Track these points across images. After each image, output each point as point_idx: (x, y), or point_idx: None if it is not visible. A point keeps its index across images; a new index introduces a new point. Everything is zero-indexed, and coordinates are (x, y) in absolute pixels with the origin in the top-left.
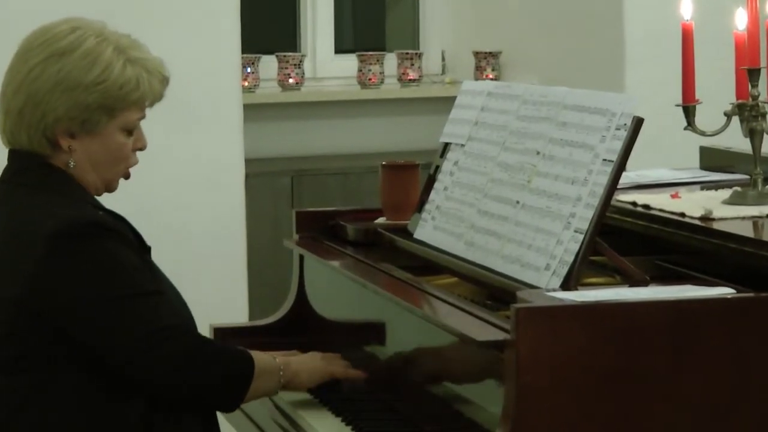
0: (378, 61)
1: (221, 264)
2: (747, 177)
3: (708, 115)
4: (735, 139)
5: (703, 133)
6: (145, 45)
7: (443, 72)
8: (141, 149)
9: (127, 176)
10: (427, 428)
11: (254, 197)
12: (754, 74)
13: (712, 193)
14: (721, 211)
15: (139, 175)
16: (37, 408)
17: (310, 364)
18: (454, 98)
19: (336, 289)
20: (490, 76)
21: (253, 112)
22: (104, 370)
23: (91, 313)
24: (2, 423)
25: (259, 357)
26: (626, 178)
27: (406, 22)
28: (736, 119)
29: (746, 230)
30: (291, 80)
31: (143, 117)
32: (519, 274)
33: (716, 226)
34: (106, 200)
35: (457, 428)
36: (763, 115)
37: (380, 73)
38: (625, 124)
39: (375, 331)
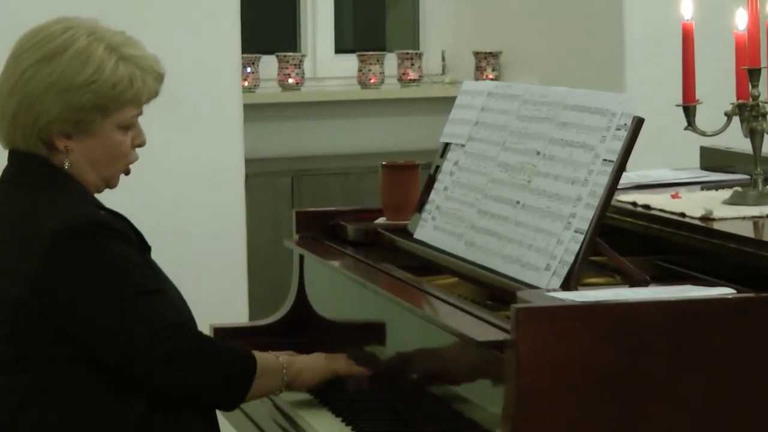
0: (378, 61)
1: (221, 264)
2: (747, 177)
3: (708, 115)
4: (735, 139)
5: (703, 133)
6: (140, 41)
7: (443, 72)
8: (140, 145)
9: (127, 172)
10: (427, 428)
11: (254, 197)
12: (754, 74)
13: (712, 193)
14: (721, 211)
15: (140, 175)
16: (37, 408)
17: (313, 363)
18: (454, 98)
19: (336, 289)
20: (491, 77)
21: (253, 112)
22: (105, 370)
23: (92, 312)
24: (2, 423)
25: (262, 356)
26: (626, 179)
27: (407, 22)
28: (736, 119)
29: (746, 230)
30: (291, 80)
31: (140, 113)
32: (519, 275)
33: (716, 226)
34: (107, 200)
35: (457, 428)
36: (764, 115)
37: (380, 73)
38: (626, 124)
39: (375, 332)
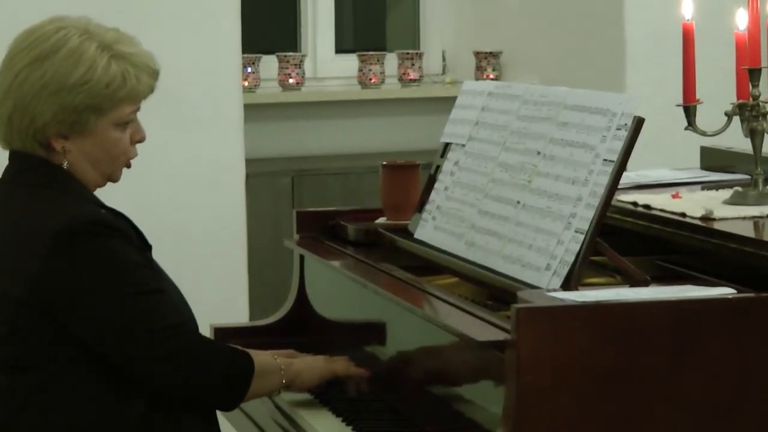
0: (378, 61)
1: (222, 264)
2: (748, 177)
3: (708, 115)
4: (736, 139)
5: (703, 133)
6: (135, 37)
7: (444, 72)
8: (140, 141)
9: (128, 165)
10: (428, 428)
11: (255, 197)
12: (754, 74)
13: (712, 193)
14: (721, 211)
15: (140, 175)
16: (38, 408)
17: (311, 364)
18: (454, 98)
19: (336, 289)
20: (491, 76)
21: (254, 112)
22: (105, 370)
23: (93, 311)
24: (2, 423)
25: (260, 357)
26: (627, 178)
27: (407, 22)
28: (736, 119)
29: (747, 230)
30: (291, 80)
31: (137, 110)
32: (520, 275)
33: (717, 226)
34: (107, 200)
35: (457, 428)
36: (764, 115)
37: (381, 73)
38: (626, 124)
39: (375, 332)
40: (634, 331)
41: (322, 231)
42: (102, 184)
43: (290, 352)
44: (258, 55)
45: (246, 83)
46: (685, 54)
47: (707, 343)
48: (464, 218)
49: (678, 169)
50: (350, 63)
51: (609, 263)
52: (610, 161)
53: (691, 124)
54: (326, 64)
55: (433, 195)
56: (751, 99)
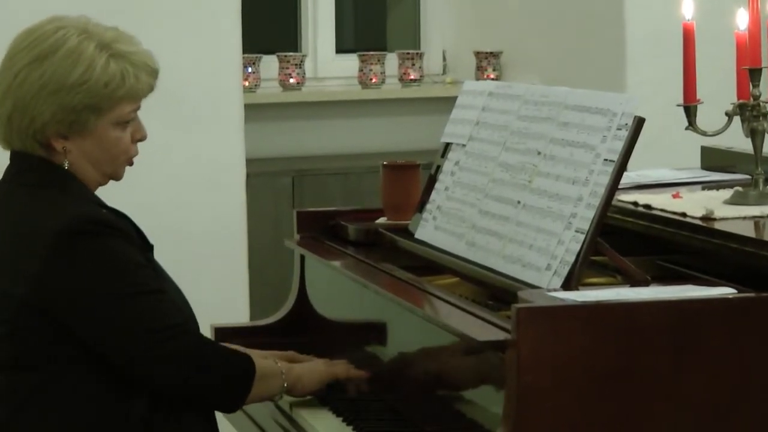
0: (379, 61)
1: (222, 264)
2: (748, 177)
3: (709, 115)
4: (736, 139)
5: (704, 133)
6: (135, 36)
7: (444, 72)
8: (141, 140)
9: (130, 164)
10: (428, 428)
11: (255, 197)
12: (755, 74)
13: (713, 193)
14: (722, 211)
15: (140, 175)
16: (38, 408)
17: (312, 368)
18: (455, 98)
19: (337, 289)
20: (491, 76)
21: (254, 112)
22: (105, 370)
23: (94, 311)
24: (2, 423)
25: (260, 360)
26: (627, 178)
27: (407, 21)
28: (737, 119)
29: (747, 230)
30: (292, 80)
31: (137, 109)
32: (520, 274)
33: (717, 226)
34: (107, 200)
35: (457, 428)
36: (765, 115)
37: (381, 73)
38: (626, 124)
39: (376, 332)
40: (635, 331)
41: (323, 231)
42: (104, 183)
43: (290, 354)
44: (258, 55)
45: (246, 83)
46: (685, 54)
47: (708, 343)
48: (465, 218)
49: (678, 169)
50: (351, 63)
51: (609, 263)
52: (611, 161)
53: (691, 124)
54: (327, 64)
55: (433, 195)
56: (751, 99)
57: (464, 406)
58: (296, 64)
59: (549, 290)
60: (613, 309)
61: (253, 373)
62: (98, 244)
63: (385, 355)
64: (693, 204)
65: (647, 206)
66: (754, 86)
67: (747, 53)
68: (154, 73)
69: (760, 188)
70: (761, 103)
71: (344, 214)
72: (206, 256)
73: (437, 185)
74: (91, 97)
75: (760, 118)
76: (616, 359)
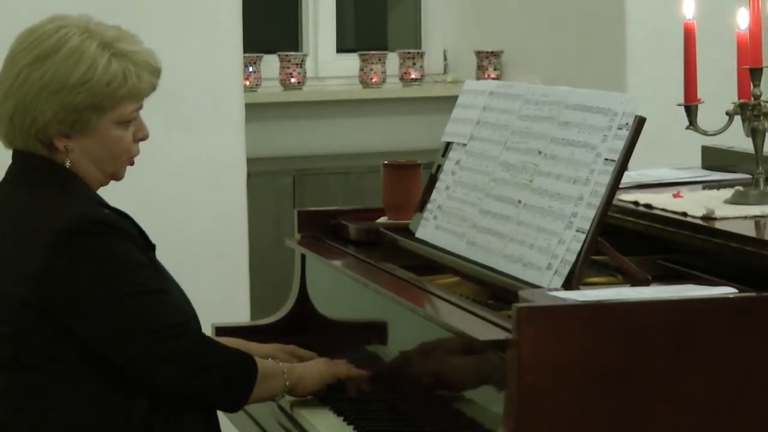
0: (380, 60)
1: (223, 263)
2: (749, 176)
3: (710, 115)
4: (737, 139)
5: (705, 133)
6: (137, 35)
7: (445, 71)
8: (143, 139)
9: (131, 163)
10: (429, 428)
11: (256, 197)
12: (756, 74)
13: (714, 192)
14: (723, 210)
15: (141, 175)
16: (37, 408)
17: (313, 368)
18: (455, 98)
19: (338, 289)
20: (492, 76)
21: (255, 111)
22: (105, 370)
23: (94, 311)
24: (2, 423)
25: (262, 360)
26: (628, 178)
27: (408, 21)
28: (738, 119)
29: (748, 230)
30: (293, 79)
31: (139, 108)
32: (521, 274)
33: (718, 225)
34: (108, 200)
35: (458, 428)
36: (765, 115)
37: (382, 72)
38: (627, 124)
39: (376, 331)
40: (635, 331)
41: (324, 230)
42: (105, 183)
43: (291, 348)
44: (259, 55)
45: (247, 83)
46: (686, 53)
47: (708, 342)
48: (465, 217)
49: (679, 169)
50: (351, 62)
51: (610, 263)
52: (612, 161)
53: (692, 123)
54: (327, 63)
55: (434, 194)
56: (752, 98)
57: (465, 406)
58: (297, 64)
59: (550, 290)
60: (613, 308)
61: (255, 372)
62: (99, 244)
63: (386, 355)
64: (694, 203)
65: (648, 206)
66: (754, 86)
67: (748, 53)
68: (156, 72)
69: (761, 188)
70: (762, 103)
71: (345, 214)
72: (207, 255)
73: (438, 184)
74: (92, 97)
75: (761, 118)
76: (617, 359)
